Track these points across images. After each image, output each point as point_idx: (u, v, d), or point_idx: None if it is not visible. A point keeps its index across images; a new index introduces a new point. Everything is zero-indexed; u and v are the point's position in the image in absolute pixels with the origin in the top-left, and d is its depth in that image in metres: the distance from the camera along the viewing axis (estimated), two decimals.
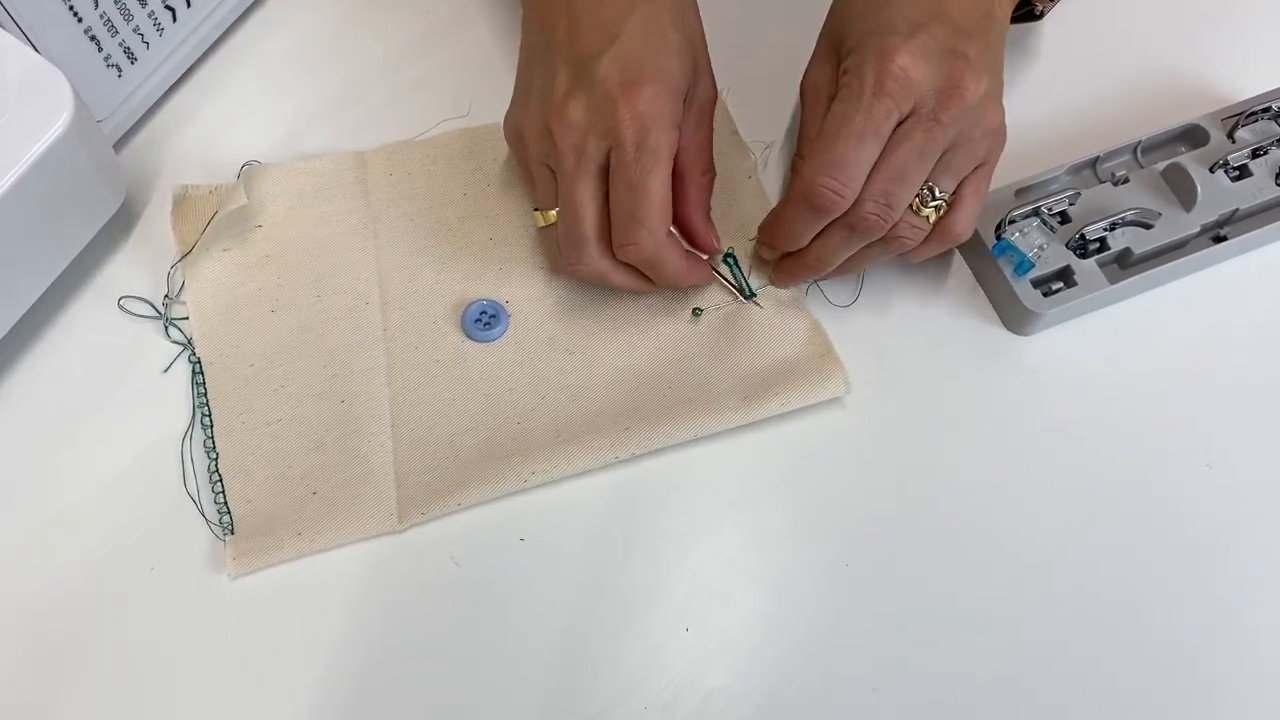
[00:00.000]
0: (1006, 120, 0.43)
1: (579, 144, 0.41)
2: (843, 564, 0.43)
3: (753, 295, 0.47)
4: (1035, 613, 0.42)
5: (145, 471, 0.44)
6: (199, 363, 0.46)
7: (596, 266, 0.43)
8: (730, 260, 0.48)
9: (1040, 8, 0.47)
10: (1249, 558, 0.43)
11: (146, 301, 0.47)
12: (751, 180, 0.50)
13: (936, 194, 0.41)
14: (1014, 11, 0.45)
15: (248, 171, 0.48)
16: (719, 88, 0.45)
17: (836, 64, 0.43)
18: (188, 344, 0.46)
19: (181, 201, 0.48)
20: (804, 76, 0.45)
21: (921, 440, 0.45)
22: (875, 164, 0.40)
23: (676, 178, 0.42)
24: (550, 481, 0.44)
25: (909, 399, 0.46)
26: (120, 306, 0.47)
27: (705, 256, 0.46)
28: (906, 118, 0.39)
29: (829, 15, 0.45)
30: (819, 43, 0.45)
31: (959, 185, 0.42)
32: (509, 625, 0.42)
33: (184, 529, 0.43)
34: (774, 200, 0.50)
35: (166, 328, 0.47)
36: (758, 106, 0.52)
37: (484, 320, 0.47)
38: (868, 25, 0.41)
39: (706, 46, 0.45)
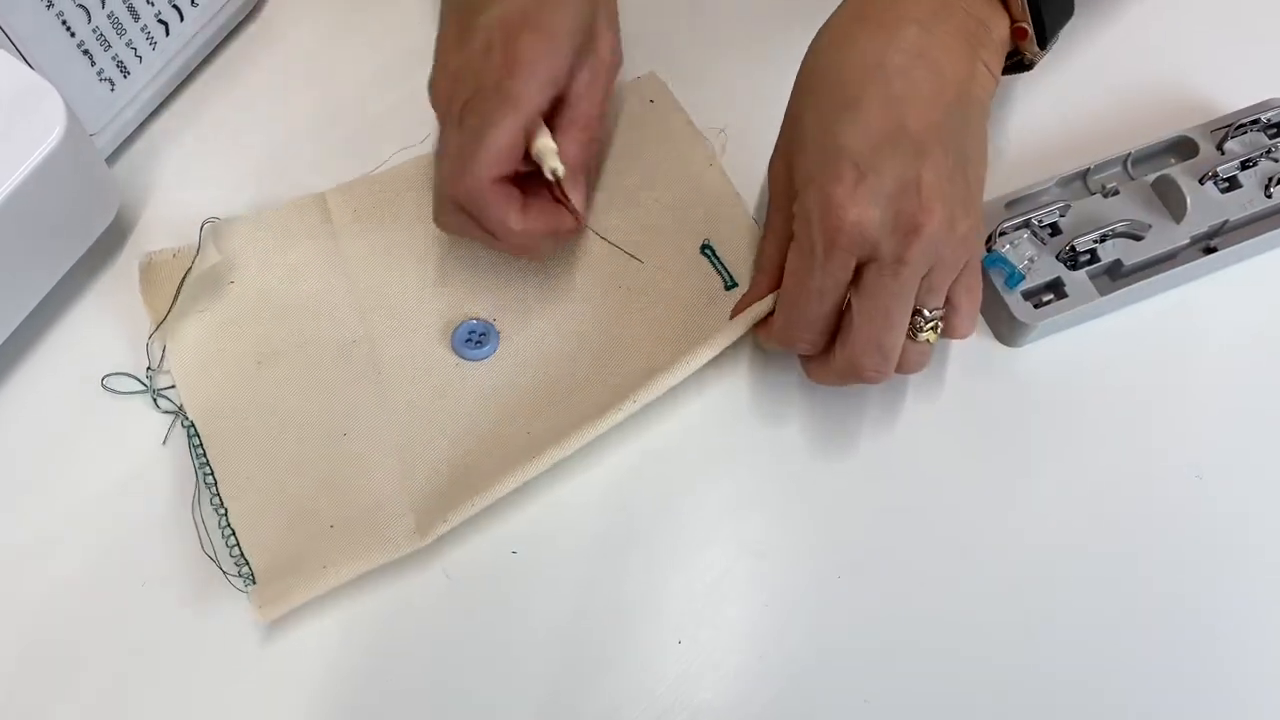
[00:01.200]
0: (1000, 132, 0.44)
1: (450, 91, 0.41)
2: (834, 575, 0.43)
3: (734, 285, 0.47)
4: (1027, 624, 0.42)
5: (147, 481, 0.45)
6: (193, 427, 0.45)
7: (449, 218, 0.43)
8: (708, 252, 0.48)
9: (1030, 59, 0.43)
10: (1240, 568, 0.43)
11: (131, 376, 0.47)
12: (713, 168, 0.50)
13: (928, 314, 0.40)
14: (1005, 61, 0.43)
15: (210, 229, 0.47)
16: (664, 79, 0.45)
17: (790, 167, 0.41)
18: (179, 411, 0.46)
19: (147, 270, 0.47)
20: (770, 164, 0.44)
21: (913, 451, 0.45)
22: (857, 317, 0.39)
23: (557, 134, 0.42)
24: (563, 458, 0.43)
25: (901, 410, 0.46)
26: (104, 386, 0.46)
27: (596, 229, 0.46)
28: (869, 260, 0.38)
29: (789, 104, 0.42)
30: (780, 134, 0.43)
31: (949, 293, 0.40)
32: (500, 638, 0.42)
33: (179, 553, 0.44)
34: (739, 187, 0.49)
35: (155, 400, 0.46)
36: (708, 93, 0.52)
37: (474, 340, 0.46)
38: (820, 150, 0.38)
39: (615, 7, 0.44)
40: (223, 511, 0.43)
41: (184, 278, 0.46)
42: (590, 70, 0.43)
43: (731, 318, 0.45)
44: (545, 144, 0.42)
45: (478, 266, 0.48)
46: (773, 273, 0.43)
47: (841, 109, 0.38)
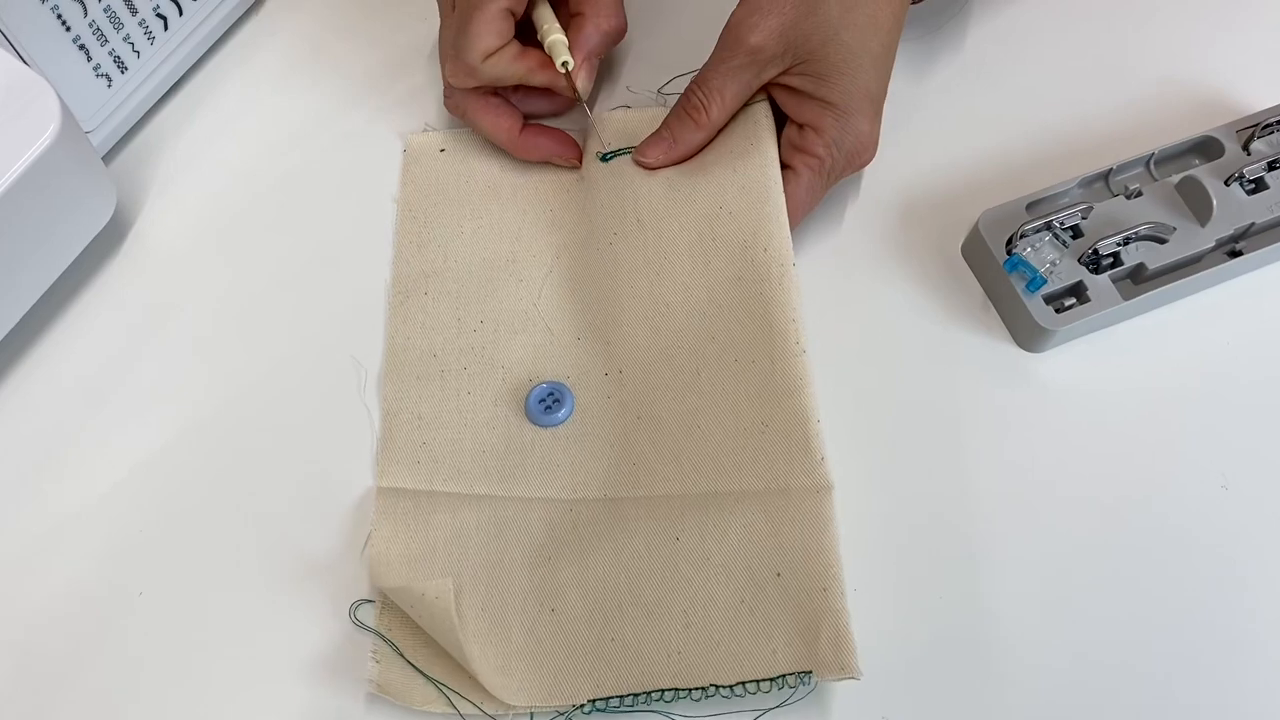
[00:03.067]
0: (1019, 132, 0.49)
1: None
2: (850, 587, 0.42)
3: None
4: (1045, 634, 0.41)
5: (147, 483, 0.44)
6: None
7: (451, 103, 0.48)
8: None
9: None
10: (1267, 582, 0.42)
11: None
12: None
13: None
14: None
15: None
16: None
17: (758, 77, 0.44)
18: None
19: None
20: (753, 25, 0.43)
21: (932, 459, 0.44)
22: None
23: (579, 19, 0.46)
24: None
25: (920, 417, 0.45)
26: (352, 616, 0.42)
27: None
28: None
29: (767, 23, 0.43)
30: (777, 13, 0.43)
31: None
32: None
33: (175, 551, 0.43)
34: None
35: None
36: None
37: (548, 403, 0.44)
38: (858, 87, 0.43)
39: None
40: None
41: None
42: None
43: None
44: (557, 39, 0.45)
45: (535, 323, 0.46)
46: (711, 132, 0.46)
47: (873, 62, 0.43)
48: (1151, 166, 0.48)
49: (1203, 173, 0.46)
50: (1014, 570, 0.42)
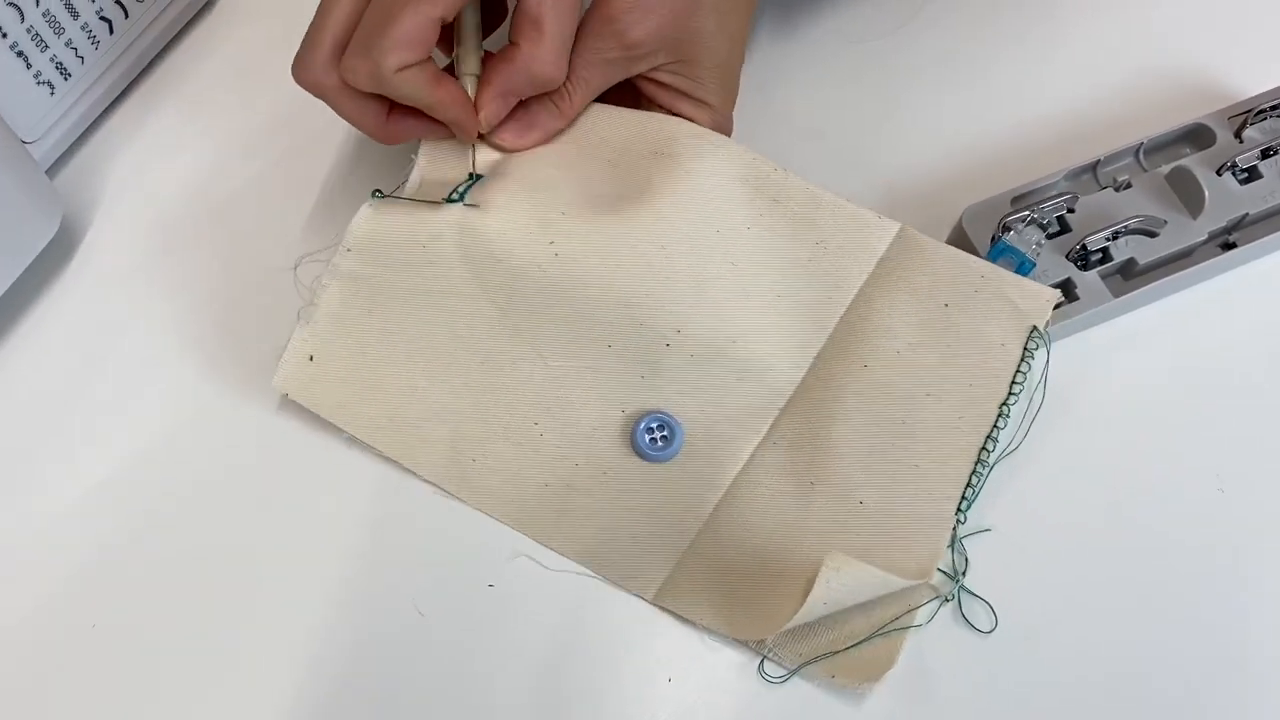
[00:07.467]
0: (1003, 123, 0.47)
1: None
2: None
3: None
4: (1034, 642, 0.40)
5: (101, 506, 0.42)
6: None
7: (319, 78, 0.39)
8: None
9: None
10: (1264, 585, 0.41)
11: None
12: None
13: None
14: None
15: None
16: None
17: (627, 71, 0.42)
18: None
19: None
20: (644, 26, 0.41)
21: None
22: None
23: (512, 50, 0.40)
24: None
25: None
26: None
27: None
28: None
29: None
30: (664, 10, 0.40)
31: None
32: (477, 677, 0.39)
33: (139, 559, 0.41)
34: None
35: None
36: None
37: (656, 438, 0.42)
38: (731, 73, 0.44)
39: None
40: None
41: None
42: None
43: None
44: (470, 79, 0.41)
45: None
46: (570, 120, 0.43)
47: (737, 61, 0.44)
48: (1140, 157, 0.46)
49: (1194, 162, 0.45)
50: (997, 572, 0.41)
